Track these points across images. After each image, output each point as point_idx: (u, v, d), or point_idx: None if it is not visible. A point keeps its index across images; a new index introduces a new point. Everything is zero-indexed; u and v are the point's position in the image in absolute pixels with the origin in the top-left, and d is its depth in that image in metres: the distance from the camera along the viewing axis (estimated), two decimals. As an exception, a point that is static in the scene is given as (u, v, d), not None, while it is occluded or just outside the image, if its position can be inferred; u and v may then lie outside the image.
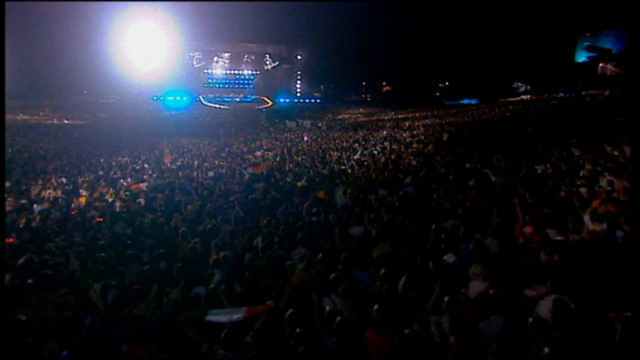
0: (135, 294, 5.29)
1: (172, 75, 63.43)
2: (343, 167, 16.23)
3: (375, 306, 4.03)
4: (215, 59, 70.72)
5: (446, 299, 4.01)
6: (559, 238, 6.05)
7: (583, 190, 8.44)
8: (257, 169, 15.48)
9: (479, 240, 5.84)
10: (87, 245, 7.96)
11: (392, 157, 17.59)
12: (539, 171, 11.85)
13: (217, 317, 4.19)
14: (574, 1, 57.44)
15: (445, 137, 22.47)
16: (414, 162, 15.97)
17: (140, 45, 61.31)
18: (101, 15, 56.42)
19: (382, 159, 17.76)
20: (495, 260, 5.20)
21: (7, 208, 11.82)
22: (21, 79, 54.67)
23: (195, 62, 68.79)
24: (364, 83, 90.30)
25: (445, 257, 5.40)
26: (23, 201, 13.34)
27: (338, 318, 3.87)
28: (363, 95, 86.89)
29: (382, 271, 5.16)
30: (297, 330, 3.77)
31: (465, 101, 59.95)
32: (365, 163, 17.30)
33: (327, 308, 4.28)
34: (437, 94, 79.96)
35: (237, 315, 4.16)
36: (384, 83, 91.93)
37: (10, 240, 8.52)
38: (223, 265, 6.18)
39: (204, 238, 7.70)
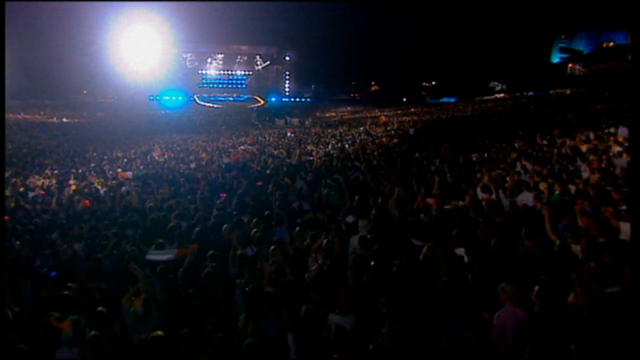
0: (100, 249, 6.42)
1: (168, 76, 64.29)
2: (310, 158, 17.32)
3: (272, 247, 5.19)
4: (209, 60, 71.59)
5: (324, 242, 5.17)
6: (448, 207, 7.24)
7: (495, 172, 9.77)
8: (231, 159, 16.59)
9: (380, 207, 7.00)
10: (68, 219, 9.04)
11: (358, 148, 18.76)
12: (474, 158, 13.08)
13: (154, 256, 5.28)
14: (550, 4, 58.75)
15: (411, 131, 23.75)
16: (375, 153, 17.14)
17: (136, 47, 62.11)
18: (99, 19, 57.27)
19: (350, 150, 18.96)
20: (382, 218, 6.35)
21: (6, 193, 12.97)
22: (23, 79, 55.24)
23: (188, 63, 69.62)
24: (353, 83, 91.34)
25: (346, 219, 6.58)
26: (20, 189, 14.43)
27: (238, 252, 5.02)
28: (352, 94, 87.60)
29: (297, 229, 6.33)
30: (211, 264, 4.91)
31: (445, 99, 61.22)
32: (333, 154, 18.45)
33: (239, 251, 5.40)
34: (423, 92, 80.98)
35: (169, 255, 5.25)
36: (373, 82, 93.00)
37: (6, 217, 9.64)
38: (177, 231, 7.27)
39: (168, 212, 8.80)
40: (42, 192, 14.19)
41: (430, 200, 7.75)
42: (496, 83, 60.98)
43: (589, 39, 61.39)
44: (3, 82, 4.67)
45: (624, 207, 5.70)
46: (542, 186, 8.01)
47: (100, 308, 3.94)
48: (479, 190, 7.89)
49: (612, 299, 3.43)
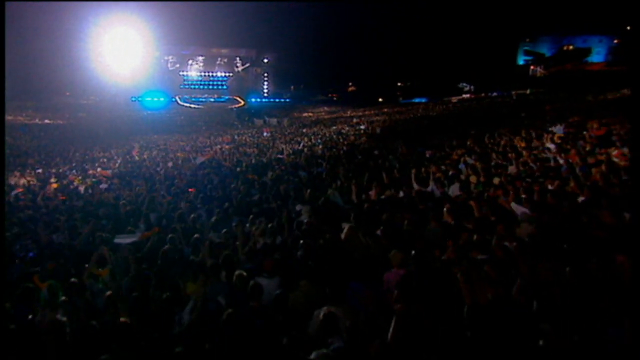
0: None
1: (149, 78, 64.11)
2: (280, 156, 18.06)
3: (224, 230, 5.95)
4: (190, 62, 71.45)
5: (269, 226, 5.96)
6: (383, 196, 8.09)
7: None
8: (204, 158, 17.22)
9: (326, 197, 7.81)
10: (48, 214, 9.62)
11: (325, 147, 19.60)
12: (427, 155, 13.99)
13: (120, 239, 5.95)
14: (517, 10, 60.65)
15: (378, 130, 24.69)
16: (341, 151, 17.98)
17: (118, 50, 61.82)
18: (82, 21, 56.88)
19: (319, 148, 19.79)
20: (326, 206, 7.17)
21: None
22: (5, 81, 54.43)
23: (170, 65, 69.47)
24: (331, 84, 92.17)
25: (296, 207, 7.37)
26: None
27: (195, 236, 5.77)
28: (330, 95, 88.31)
29: (251, 216, 7.09)
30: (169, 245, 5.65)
31: (417, 100, 62.60)
32: (303, 152, 19.22)
33: (196, 235, 6.14)
34: (398, 93, 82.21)
35: (134, 237, 5.94)
36: (350, 83, 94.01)
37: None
38: (147, 220, 7.95)
39: (141, 205, 9.45)
40: (20, 189, 14.64)
41: (372, 192, 8.62)
42: (465, 84, 62.59)
43: (552, 42, 63.49)
44: (3, 82, 4.62)
45: (523, 195, 6.64)
46: (472, 179, 8.94)
47: (73, 279, 4.64)
48: (415, 183, 8.80)
49: (479, 262, 4.30)
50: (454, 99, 53.81)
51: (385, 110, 51.69)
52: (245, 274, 4.18)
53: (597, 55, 56.07)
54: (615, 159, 8.99)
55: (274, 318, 3.41)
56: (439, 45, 66.98)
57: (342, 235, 5.24)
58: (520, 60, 65.39)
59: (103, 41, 60.54)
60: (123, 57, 61.92)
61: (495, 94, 49.31)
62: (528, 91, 42.29)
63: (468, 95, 56.49)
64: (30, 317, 3.93)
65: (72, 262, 5.84)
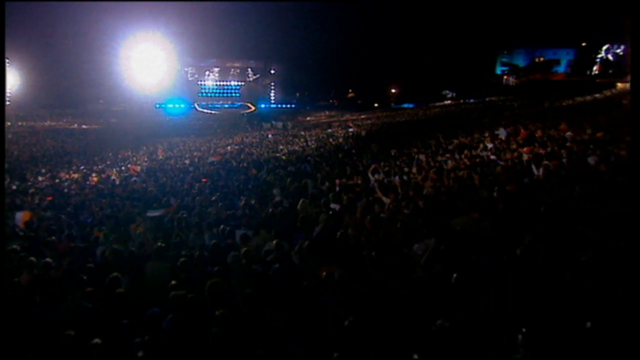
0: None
1: (171, 87, 66.03)
2: (277, 155, 19.76)
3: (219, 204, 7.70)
4: (207, 72, 73.51)
5: (251, 202, 7.69)
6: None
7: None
8: (216, 157, 18.97)
9: (300, 184, 9.53)
10: (95, 198, 11.45)
11: (314, 147, 21.27)
12: (393, 153, 15.61)
13: (151, 213, 7.74)
14: (496, 25, 61.77)
15: (363, 133, 26.27)
16: (326, 151, 19.64)
17: (144, 63, 63.77)
18: (113, 39, 59.13)
19: (311, 148, 21.46)
20: (299, 189, 8.90)
21: (46, 183, 15.37)
22: (49, 92, 56.92)
23: (189, 76, 71.50)
24: (332, 90, 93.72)
25: (273, 191, 9.12)
26: (56, 181, 16.76)
27: (195, 209, 7.54)
28: (331, 101, 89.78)
29: (244, 198, 8.83)
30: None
31: (405, 105, 63.98)
32: (297, 151, 20.93)
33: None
34: (390, 99, 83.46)
35: (160, 212, 7.73)
36: (350, 90, 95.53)
37: (51, 198, 12.06)
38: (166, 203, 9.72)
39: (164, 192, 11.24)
40: (70, 182, 16.54)
41: (337, 181, 10.33)
42: (448, 91, 63.91)
43: (526, 54, 64.65)
44: (4, 82, 4.77)
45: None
46: (413, 170, 10.61)
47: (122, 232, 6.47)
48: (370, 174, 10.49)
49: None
50: (437, 105, 55.15)
51: (377, 114, 53.18)
52: (226, 227, 5.95)
53: (563, 67, 57.29)
54: (525, 155, 10.65)
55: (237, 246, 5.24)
56: (428, 56, 68.27)
57: (298, 206, 6.98)
58: (498, 70, 66.62)
59: (131, 56, 62.65)
60: (148, 69, 63.90)
61: (472, 100, 50.66)
62: (495, 98, 43.68)
63: (449, 102, 57.85)
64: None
65: (117, 225, 7.65)
